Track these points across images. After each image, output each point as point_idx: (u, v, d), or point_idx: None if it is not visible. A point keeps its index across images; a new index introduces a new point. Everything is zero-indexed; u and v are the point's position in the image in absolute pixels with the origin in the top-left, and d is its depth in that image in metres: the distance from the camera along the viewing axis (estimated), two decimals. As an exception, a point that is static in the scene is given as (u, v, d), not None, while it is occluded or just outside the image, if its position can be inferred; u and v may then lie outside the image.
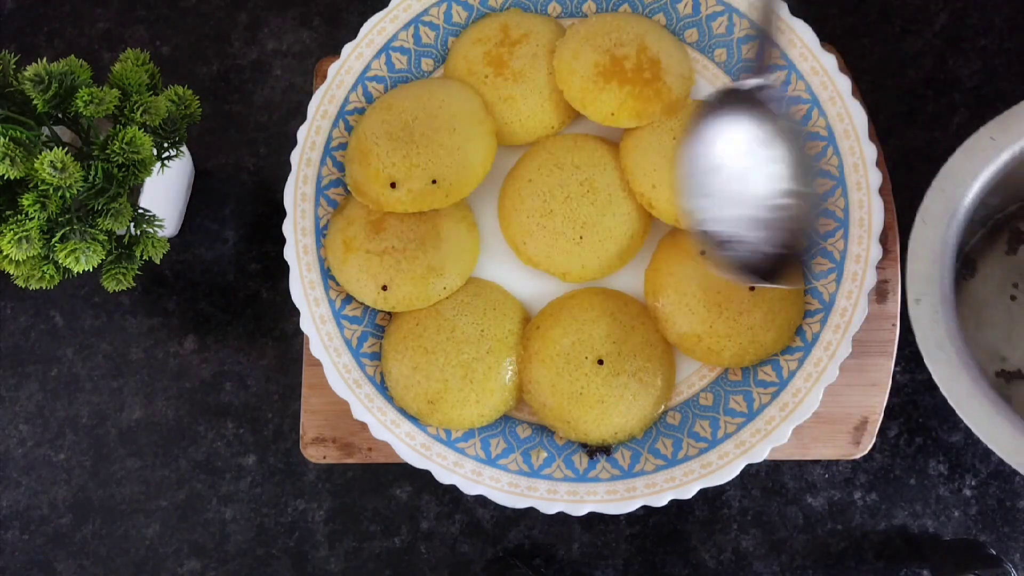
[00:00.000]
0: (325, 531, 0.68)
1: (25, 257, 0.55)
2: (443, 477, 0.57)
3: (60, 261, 0.56)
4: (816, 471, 0.65)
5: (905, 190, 0.62)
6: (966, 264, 0.60)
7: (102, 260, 0.58)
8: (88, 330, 0.71)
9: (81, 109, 0.55)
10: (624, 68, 0.58)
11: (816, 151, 0.59)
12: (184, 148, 0.67)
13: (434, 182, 0.58)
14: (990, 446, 0.45)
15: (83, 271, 0.57)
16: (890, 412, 0.65)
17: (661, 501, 0.56)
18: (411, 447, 0.57)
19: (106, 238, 0.58)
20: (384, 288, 0.59)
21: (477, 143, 0.59)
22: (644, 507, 0.56)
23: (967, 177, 0.49)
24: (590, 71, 0.58)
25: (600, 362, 0.56)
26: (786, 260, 0.48)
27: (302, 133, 0.62)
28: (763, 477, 0.66)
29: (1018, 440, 0.45)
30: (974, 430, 0.45)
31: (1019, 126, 0.48)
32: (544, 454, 0.58)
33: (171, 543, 0.68)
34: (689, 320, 0.57)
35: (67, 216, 0.57)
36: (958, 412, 0.46)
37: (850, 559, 0.65)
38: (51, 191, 0.54)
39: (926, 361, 0.47)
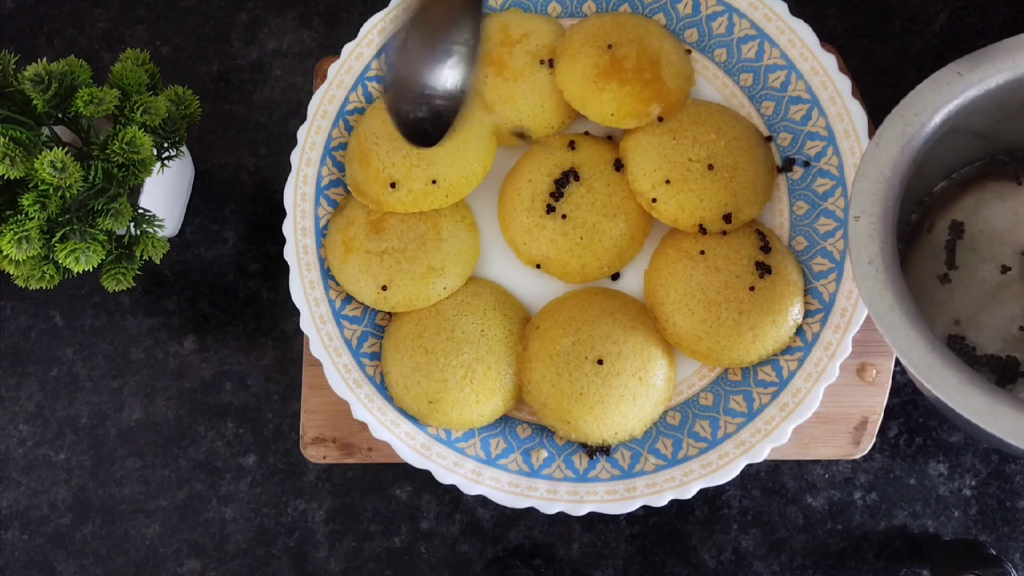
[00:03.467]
0: (325, 531, 0.68)
1: (25, 257, 0.55)
2: (443, 477, 0.57)
3: (60, 261, 0.56)
4: (816, 471, 0.65)
5: (905, 190, 0.61)
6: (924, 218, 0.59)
7: (102, 260, 0.58)
8: (88, 330, 0.71)
9: (81, 109, 0.55)
10: (624, 68, 0.58)
11: (817, 150, 0.59)
12: (184, 148, 0.67)
13: (434, 182, 0.58)
14: (904, 363, 0.45)
15: (83, 271, 0.57)
16: (890, 412, 0.65)
17: (661, 501, 0.56)
18: (411, 447, 0.57)
19: (106, 238, 0.58)
20: (384, 288, 0.58)
21: (477, 143, 0.59)
22: (644, 507, 0.56)
23: (927, 107, 0.48)
24: (590, 71, 0.58)
25: (600, 362, 0.56)
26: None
27: (302, 133, 0.62)
28: (763, 477, 0.66)
29: (932, 357, 0.44)
30: (892, 346, 0.45)
31: (988, 65, 0.48)
32: (544, 454, 0.58)
33: (171, 543, 0.68)
34: (689, 320, 0.57)
35: (67, 216, 0.57)
36: (879, 327, 0.45)
37: (850, 559, 0.65)
38: (51, 191, 0.54)
39: (854, 275, 0.46)
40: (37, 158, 0.53)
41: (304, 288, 0.60)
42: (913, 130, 0.48)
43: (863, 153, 0.49)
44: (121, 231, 0.61)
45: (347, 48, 0.63)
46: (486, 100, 0.61)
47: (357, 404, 0.58)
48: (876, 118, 0.67)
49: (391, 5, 0.63)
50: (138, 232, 0.61)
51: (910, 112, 0.48)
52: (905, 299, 0.46)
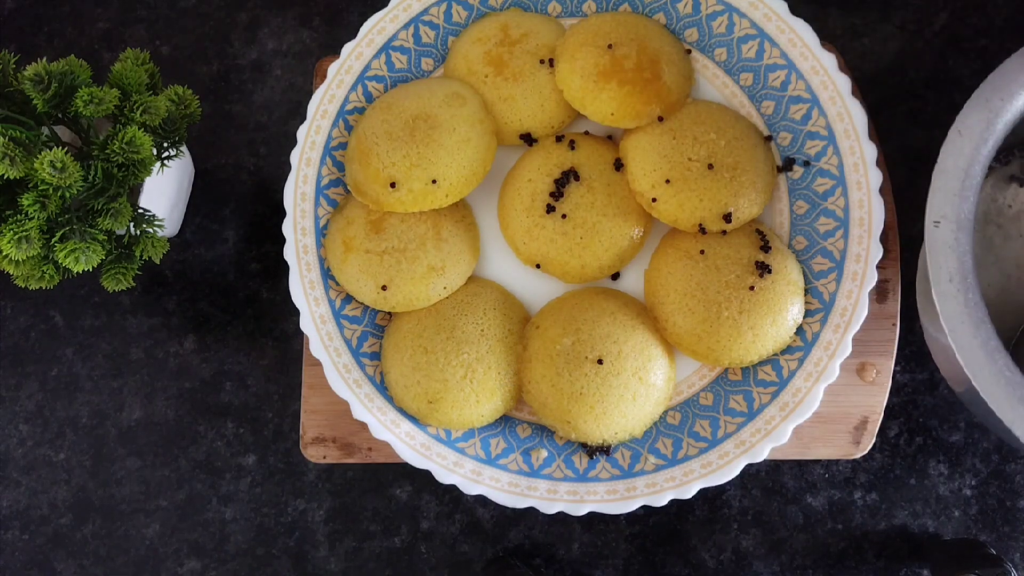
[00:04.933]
0: (325, 531, 0.68)
1: (25, 257, 0.55)
2: (443, 477, 0.57)
3: (60, 261, 0.56)
4: (816, 471, 0.65)
5: (905, 190, 0.62)
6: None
7: (102, 260, 0.58)
8: (88, 330, 0.71)
9: (81, 109, 0.55)
10: (624, 68, 0.58)
11: (817, 150, 0.59)
12: (184, 148, 0.67)
13: (434, 182, 0.58)
14: (984, 397, 0.42)
15: (83, 271, 0.57)
16: (890, 412, 0.65)
17: (661, 501, 0.55)
18: (411, 447, 0.57)
19: (106, 238, 0.58)
20: (384, 288, 0.58)
21: (477, 143, 0.59)
22: (644, 507, 0.56)
23: (1015, 89, 0.42)
24: (590, 71, 0.58)
25: (600, 362, 0.56)
26: None
27: (302, 133, 0.62)
28: (763, 477, 0.66)
29: (1012, 396, 0.41)
30: (971, 379, 0.42)
31: None
32: (544, 454, 0.58)
33: (171, 543, 0.68)
34: (689, 320, 0.57)
35: (67, 216, 0.57)
36: (957, 355, 0.42)
37: (850, 559, 0.65)
38: (51, 191, 0.54)
39: (935, 295, 0.42)
40: (37, 158, 0.53)
41: (304, 288, 0.60)
42: (996, 116, 0.42)
43: (943, 145, 0.42)
44: (121, 231, 0.61)
45: (347, 48, 0.63)
46: (486, 100, 0.61)
47: (357, 404, 0.58)
48: (876, 118, 0.67)
49: (391, 5, 0.63)
50: (138, 232, 0.61)
51: (996, 96, 0.42)
52: (984, 323, 0.41)
